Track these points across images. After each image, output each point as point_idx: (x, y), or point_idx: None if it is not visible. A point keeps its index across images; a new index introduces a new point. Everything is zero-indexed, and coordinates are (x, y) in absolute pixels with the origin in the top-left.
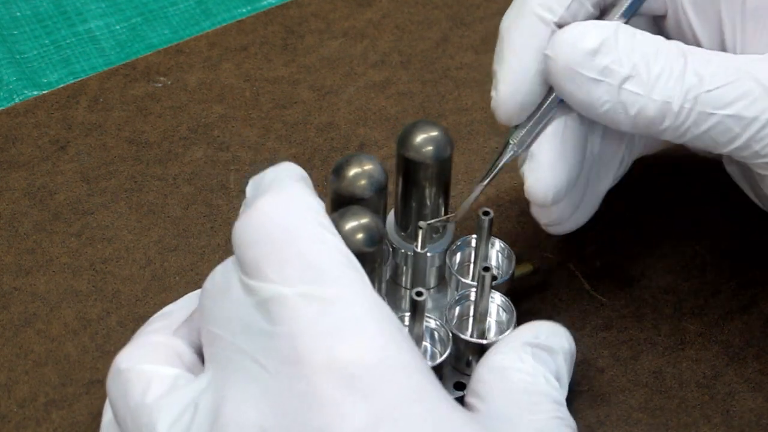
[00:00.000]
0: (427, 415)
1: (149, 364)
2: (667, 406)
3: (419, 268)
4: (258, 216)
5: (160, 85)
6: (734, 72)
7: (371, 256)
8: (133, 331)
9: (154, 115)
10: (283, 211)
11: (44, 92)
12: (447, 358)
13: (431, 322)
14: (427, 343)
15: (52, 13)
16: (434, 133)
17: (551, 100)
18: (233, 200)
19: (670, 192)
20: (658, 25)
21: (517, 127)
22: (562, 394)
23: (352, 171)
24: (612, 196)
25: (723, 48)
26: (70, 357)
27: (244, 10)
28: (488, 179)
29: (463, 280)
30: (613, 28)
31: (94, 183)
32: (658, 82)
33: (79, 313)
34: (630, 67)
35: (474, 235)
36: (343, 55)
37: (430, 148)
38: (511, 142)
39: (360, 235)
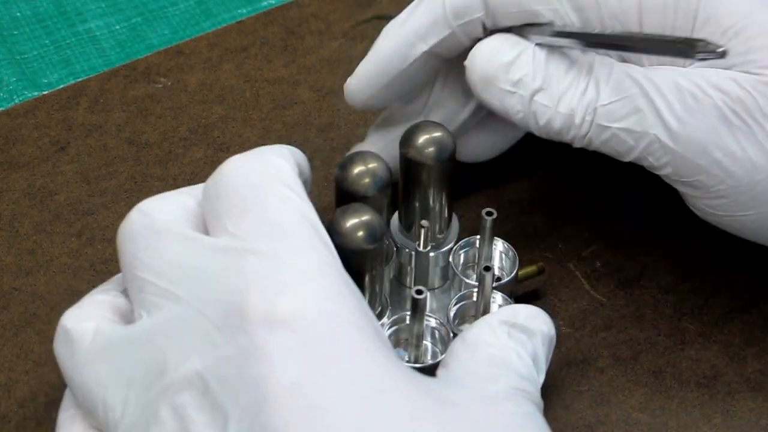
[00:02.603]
0: (362, 369)
1: (94, 321)
2: (667, 406)
3: (422, 268)
4: (227, 171)
5: (160, 85)
6: (630, 85)
7: (372, 254)
8: None
9: (155, 115)
10: (250, 169)
11: (44, 93)
12: None
13: (432, 321)
14: (428, 342)
15: (52, 13)
16: (437, 134)
17: None
18: None
19: (669, 192)
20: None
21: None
22: (533, 372)
23: (356, 169)
24: (612, 196)
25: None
26: None
27: (244, 11)
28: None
29: (467, 280)
30: (530, 46)
31: (94, 183)
32: (565, 96)
33: None
34: (541, 81)
35: (477, 236)
36: (344, 56)
37: (433, 148)
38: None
39: (360, 233)
